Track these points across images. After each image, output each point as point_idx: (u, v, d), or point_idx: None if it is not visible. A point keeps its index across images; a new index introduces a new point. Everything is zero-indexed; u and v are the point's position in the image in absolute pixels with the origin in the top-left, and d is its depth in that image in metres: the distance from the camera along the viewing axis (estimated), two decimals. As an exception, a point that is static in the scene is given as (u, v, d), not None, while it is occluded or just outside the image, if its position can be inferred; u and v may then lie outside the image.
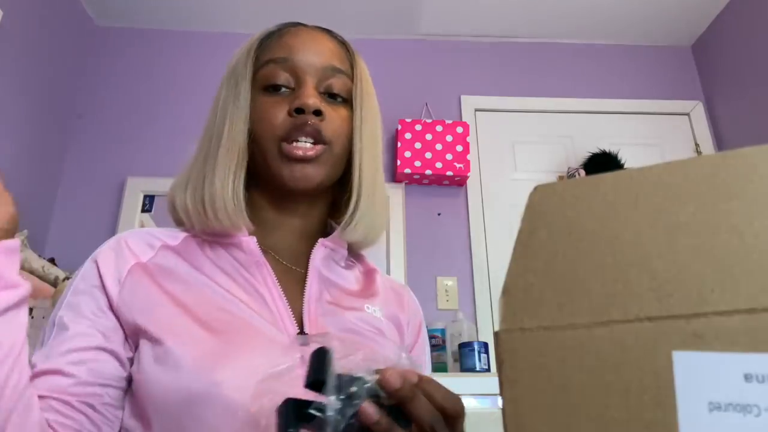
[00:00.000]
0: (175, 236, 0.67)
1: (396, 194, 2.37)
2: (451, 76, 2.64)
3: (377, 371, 0.43)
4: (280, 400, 0.42)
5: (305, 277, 0.66)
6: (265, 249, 0.66)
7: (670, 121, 2.59)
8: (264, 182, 0.68)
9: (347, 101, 0.69)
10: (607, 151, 2.40)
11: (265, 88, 0.67)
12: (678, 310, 0.24)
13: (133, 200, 2.33)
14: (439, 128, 2.37)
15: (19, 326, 0.51)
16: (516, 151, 2.54)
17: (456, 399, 0.45)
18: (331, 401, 0.41)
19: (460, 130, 2.37)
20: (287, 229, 0.70)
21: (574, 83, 2.64)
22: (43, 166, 2.28)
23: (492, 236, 2.36)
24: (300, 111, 0.64)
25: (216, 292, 0.61)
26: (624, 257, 0.26)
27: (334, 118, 0.66)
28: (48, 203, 2.30)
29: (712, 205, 0.25)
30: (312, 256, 0.67)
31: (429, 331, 2.10)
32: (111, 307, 0.59)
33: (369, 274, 0.76)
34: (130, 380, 0.59)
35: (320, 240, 0.68)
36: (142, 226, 2.24)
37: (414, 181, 2.39)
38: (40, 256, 1.94)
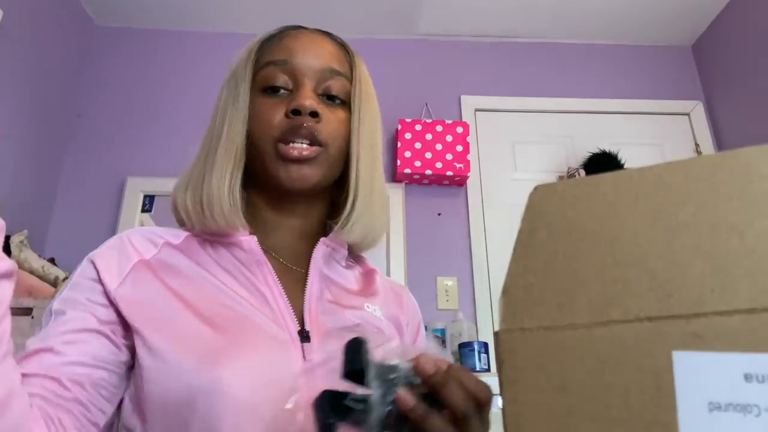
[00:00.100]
0: (177, 235, 0.68)
1: (396, 194, 2.37)
2: (451, 76, 2.64)
3: (411, 360, 0.44)
4: (315, 394, 0.43)
5: (305, 277, 0.67)
6: (266, 249, 0.67)
7: (670, 121, 2.59)
8: (262, 183, 0.68)
9: (346, 103, 0.70)
10: (607, 151, 2.40)
11: (264, 89, 0.67)
12: (678, 310, 0.24)
13: (133, 200, 2.33)
14: (439, 128, 2.37)
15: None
16: (516, 151, 2.54)
17: (485, 386, 0.45)
18: (374, 387, 0.42)
19: (460, 130, 2.37)
20: (286, 229, 0.70)
21: (574, 83, 2.64)
22: (43, 166, 2.28)
23: (492, 236, 2.36)
24: (296, 112, 0.64)
25: (218, 288, 0.62)
26: (624, 257, 0.26)
27: (331, 119, 0.67)
28: (48, 203, 2.30)
29: (712, 205, 0.25)
30: (314, 255, 0.68)
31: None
32: (108, 299, 0.60)
33: (368, 275, 0.76)
34: (127, 368, 0.59)
35: (322, 239, 0.69)
36: (142, 226, 2.24)
37: (414, 181, 2.39)
38: (40, 256, 1.94)
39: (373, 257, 0.77)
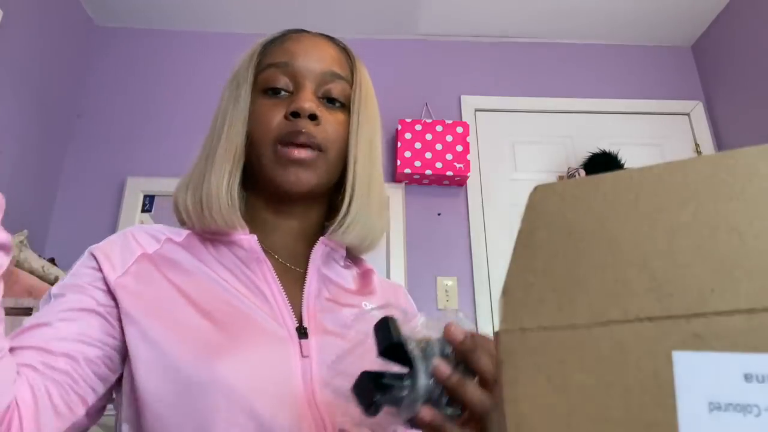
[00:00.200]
0: (179, 233, 0.69)
1: (396, 194, 2.37)
2: (451, 76, 2.64)
3: (440, 331, 0.46)
4: (353, 379, 0.44)
5: (304, 276, 0.68)
6: (265, 248, 0.68)
7: (670, 121, 2.59)
8: (260, 184, 0.69)
9: (346, 106, 0.70)
10: (607, 151, 2.40)
11: (265, 91, 0.68)
12: (678, 310, 0.24)
13: (133, 200, 2.33)
14: (439, 128, 2.37)
15: None
16: (516, 151, 2.54)
17: None
18: (413, 359, 0.43)
19: (460, 130, 2.37)
20: (285, 230, 0.71)
21: (574, 83, 2.64)
22: (43, 166, 2.28)
23: (492, 236, 2.36)
24: (296, 114, 0.65)
25: (218, 285, 0.63)
26: (624, 257, 0.26)
27: (330, 122, 0.67)
28: (48, 203, 2.31)
29: (712, 205, 0.25)
30: (312, 254, 0.69)
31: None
32: (107, 287, 0.60)
33: (365, 275, 0.77)
34: (121, 355, 0.60)
35: (321, 238, 0.69)
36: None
37: (414, 181, 2.39)
38: (40, 256, 1.94)
39: (373, 257, 0.78)
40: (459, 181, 2.38)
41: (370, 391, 0.43)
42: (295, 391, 0.58)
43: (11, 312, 1.61)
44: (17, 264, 1.82)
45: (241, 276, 0.65)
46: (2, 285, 0.52)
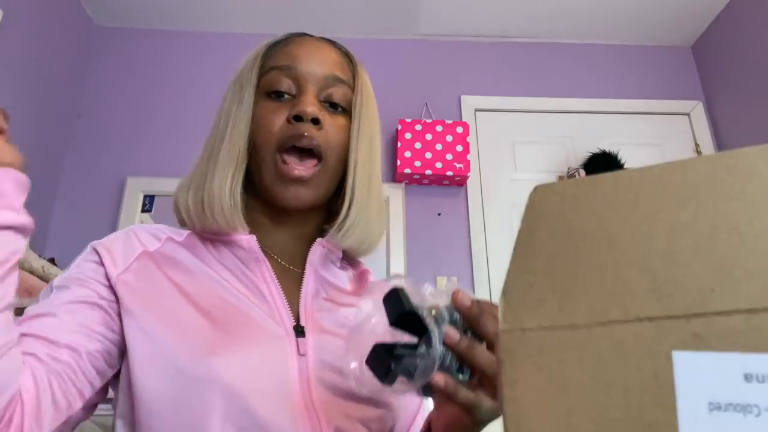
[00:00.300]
0: (180, 233, 0.70)
1: (396, 194, 2.37)
2: (451, 76, 2.63)
3: (447, 299, 0.47)
4: (366, 352, 0.45)
5: (302, 276, 0.69)
6: (264, 249, 0.68)
7: (670, 121, 2.59)
8: (260, 191, 0.69)
9: (347, 110, 0.71)
10: (607, 151, 2.40)
11: (268, 94, 0.69)
12: (678, 310, 0.24)
13: (133, 200, 2.33)
14: (439, 128, 2.37)
15: (12, 251, 0.53)
16: (516, 151, 2.54)
17: None
18: (426, 325, 0.44)
19: (460, 130, 2.37)
20: (284, 232, 0.72)
21: (574, 83, 2.64)
22: (43, 166, 2.28)
23: (492, 236, 2.36)
24: (298, 118, 0.66)
25: (217, 283, 0.64)
26: (624, 257, 0.26)
27: (331, 126, 0.68)
28: (48, 203, 2.30)
29: (712, 205, 0.25)
30: (309, 255, 0.69)
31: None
32: (108, 282, 0.61)
33: (361, 276, 0.78)
34: (119, 350, 0.60)
35: (318, 239, 0.70)
36: (142, 226, 2.24)
37: (414, 181, 2.39)
38: (40, 256, 1.94)
39: (373, 257, 0.79)
40: (459, 181, 2.38)
41: (386, 361, 0.44)
42: (291, 388, 0.58)
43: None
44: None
45: (240, 275, 0.65)
46: (17, 273, 0.52)
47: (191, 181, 0.69)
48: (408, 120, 2.39)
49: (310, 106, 0.66)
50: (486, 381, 0.47)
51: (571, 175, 2.42)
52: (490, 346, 0.47)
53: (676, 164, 0.26)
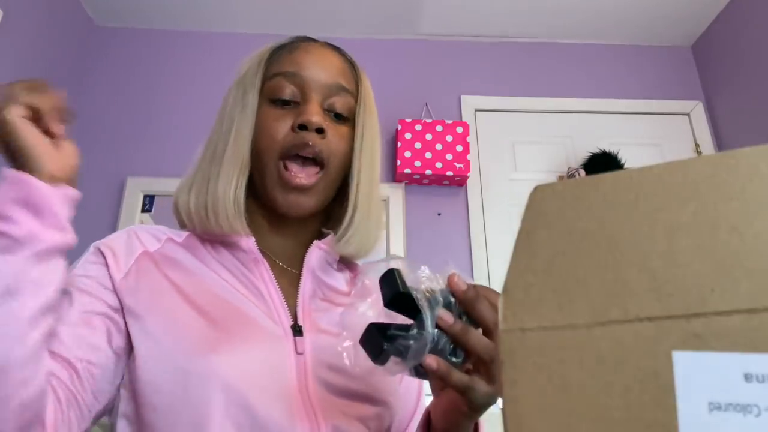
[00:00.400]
0: (179, 234, 0.70)
1: (396, 194, 2.37)
2: (451, 76, 2.63)
3: (443, 282, 0.47)
4: (361, 331, 0.46)
5: (299, 277, 0.69)
6: (262, 250, 0.69)
7: (670, 121, 2.59)
8: (261, 196, 0.70)
9: (349, 119, 0.71)
10: (607, 151, 2.40)
11: (272, 100, 0.69)
12: (678, 310, 0.24)
13: (133, 200, 2.33)
14: (439, 128, 2.36)
15: (60, 272, 0.53)
16: (516, 151, 2.54)
17: None
18: (419, 307, 0.45)
19: (460, 130, 2.37)
20: (283, 235, 0.72)
21: (574, 83, 2.64)
22: (43, 166, 2.27)
23: (492, 236, 2.36)
24: (303, 127, 0.66)
25: (216, 283, 0.64)
26: (624, 257, 0.26)
27: (334, 135, 0.68)
28: (48, 203, 2.30)
29: (712, 205, 0.25)
30: (307, 257, 0.70)
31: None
32: (113, 286, 0.61)
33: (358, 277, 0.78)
34: (126, 355, 0.60)
35: (315, 242, 0.71)
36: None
37: (414, 181, 2.39)
38: (40, 256, 1.94)
39: (372, 257, 0.78)
40: (459, 181, 2.38)
41: (379, 341, 0.44)
42: (290, 386, 0.59)
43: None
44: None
45: (239, 275, 0.66)
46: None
47: (192, 183, 0.69)
48: (408, 120, 2.39)
49: (315, 115, 0.66)
50: (481, 365, 0.48)
51: (571, 175, 2.42)
52: (486, 331, 0.47)
53: (676, 164, 0.26)
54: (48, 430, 0.51)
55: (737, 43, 2.44)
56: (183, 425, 0.54)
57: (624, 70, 2.68)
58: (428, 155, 2.32)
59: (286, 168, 0.66)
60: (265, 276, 0.66)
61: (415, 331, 0.45)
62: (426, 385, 0.57)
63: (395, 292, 0.45)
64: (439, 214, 2.38)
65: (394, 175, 2.38)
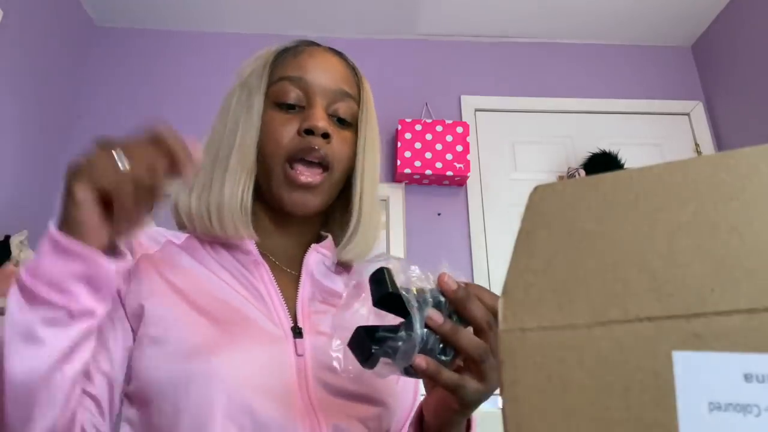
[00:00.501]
0: (178, 236, 0.70)
1: (396, 194, 2.37)
2: (451, 76, 2.63)
3: (434, 281, 0.47)
4: (350, 334, 0.46)
5: (298, 278, 0.70)
6: (262, 251, 0.69)
7: (670, 121, 2.59)
8: (266, 197, 0.70)
9: (351, 124, 0.72)
10: (607, 151, 2.40)
11: (278, 104, 0.69)
12: (678, 310, 0.24)
13: (133, 200, 2.33)
14: (439, 128, 2.36)
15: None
16: (516, 151, 2.54)
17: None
18: (407, 307, 0.44)
19: (460, 130, 2.37)
20: (283, 236, 0.73)
21: (574, 83, 2.64)
22: (43, 166, 2.28)
23: (492, 236, 2.36)
24: (309, 132, 0.66)
25: (216, 284, 0.65)
26: (624, 257, 0.26)
27: (338, 140, 0.69)
28: (48, 203, 2.30)
29: (712, 205, 0.25)
30: (305, 260, 0.70)
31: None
32: (118, 292, 0.62)
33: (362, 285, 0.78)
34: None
35: (313, 246, 0.71)
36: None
37: (414, 181, 2.39)
38: (40, 256, 1.94)
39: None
40: (459, 181, 2.38)
41: (367, 344, 0.44)
42: (290, 388, 0.59)
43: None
44: (17, 264, 1.82)
45: (239, 277, 0.66)
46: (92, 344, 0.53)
47: (193, 185, 0.69)
48: (408, 120, 2.39)
49: (321, 120, 0.67)
50: (471, 364, 0.48)
51: (571, 175, 2.42)
52: (477, 330, 0.47)
53: (676, 164, 0.26)
54: None
55: (737, 43, 2.44)
56: (185, 427, 0.54)
57: (624, 70, 2.68)
58: (428, 155, 2.32)
59: (291, 168, 0.67)
60: (265, 278, 0.66)
61: (403, 332, 0.45)
62: (422, 384, 0.57)
63: (384, 292, 0.45)
64: (439, 214, 2.38)
65: (394, 175, 2.38)
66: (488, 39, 2.71)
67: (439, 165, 2.30)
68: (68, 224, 0.48)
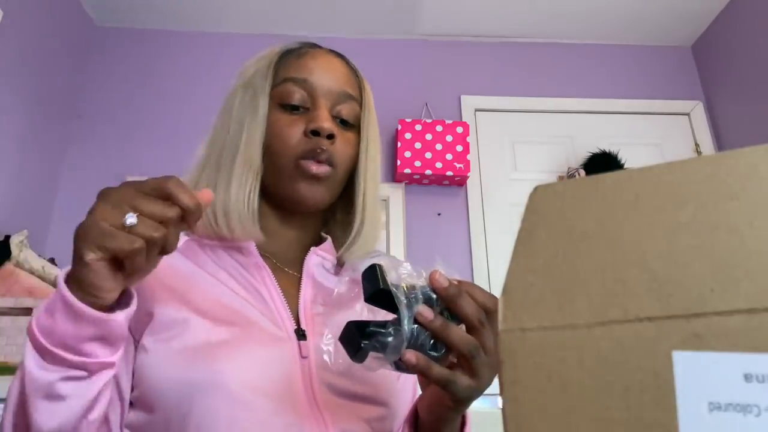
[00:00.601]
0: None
1: (396, 194, 2.37)
2: (451, 76, 2.63)
3: (425, 278, 0.48)
4: (339, 330, 0.47)
5: (299, 280, 0.70)
6: (263, 253, 0.69)
7: (670, 121, 2.59)
8: (270, 194, 0.70)
9: (353, 125, 0.73)
10: (607, 151, 2.40)
11: (282, 105, 0.69)
12: (678, 310, 0.24)
13: (133, 200, 2.33)
14: (439, 128, 2.36)
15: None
16: (516, 151, 2.54)
17: (492, 296, 0.49)
18: (397, 304, 0.45)
19: (460, 130, 2.36)
20: (285, 237, 0.73)
21: (574, 83, 2.64)
22: (43, 166, 2.28)
23: (492, 236, 2.35)
24: (315, 133, 0.67)
25: (217, 288, 0.64)
26: (624, 257, 0.26)
27: (342, 141, 0.70)
28: (48, 203, 2.30)
29: (712, 205, 0.25)
30: (306, 263, 0.70)
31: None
32: None
33: (356, 281, 0.79)
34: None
35: (312, 248, 0.71)
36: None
37: (414, 181, 2.39)
38: (39, 256, 1.94)
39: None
40: (459, 181, 2.38)
41: (356, 339, 0.45)
42: (295, 390, 0.59)
43: (11, 312, 1.61)
44: (17, 264, 1.82)
45: (241, 279, 0.66)
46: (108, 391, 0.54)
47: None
48: (408, 120, 2.39)
49: (327, 122, 0.67)
50: (463, 360, 0.48)
51: (571, 175, 2.42)
52: (469, 327, 0.48)
53: (676, 164, 0.26)
54: None
55: (737, 43, 2.44)
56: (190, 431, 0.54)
57: (624, 70, 2.68)
58: (428, 155, 2.32)
59: (301, 163, 0.67)
60: (266, 280, 0.66)
61: (391, 327, 0.46)
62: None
63: (375, 288, 0.46)
64: (439, 214, 2.38)
65: (394, 175, 2.38)
66: (488, 39, 2.71)
67: (439, 165, 2.30)
68: (79, 284, 0.47)
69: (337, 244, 0.73)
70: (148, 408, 0.57)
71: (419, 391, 0.59)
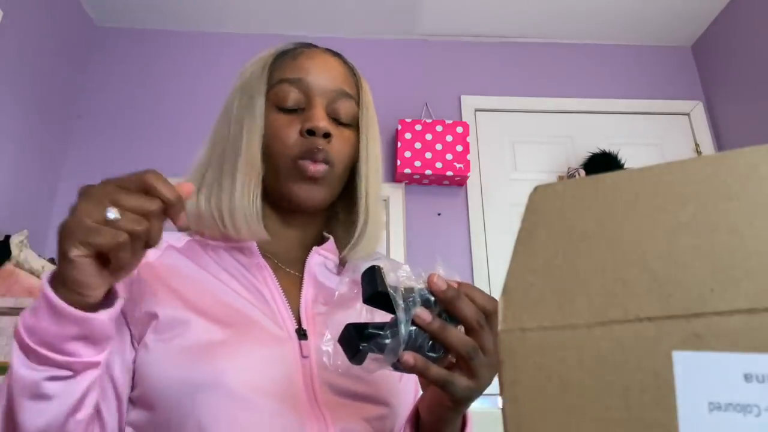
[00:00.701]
0: (179, 239, 0.70)
1: (396, 194, 2.37)
2: (451, 76, 2.63)
3: (424, 281, 0.48)
4: (339, 331, 0.47)
5: (300, 280, 0.70)
6: (264, 254, 0.69)
7: (670, 121, 2.59)
8: (272, 194, 0.70)
9: (351, 124, 0.72)
10: (607, 151, 2.40)
11: (278, 106, 0.69)
12: (678, 310, 0.24)
13: (133, 200, 2.33)
14: (439, 128, 2.36)
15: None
16: (516, 151, 2.54)
17: (491, 298, 0.49)
18: (395, 306, 0.45)
19: (460, 130, 2.37)
20: (287, 237, 0.73)
21: (574, 83, 2.64)
22: (43, 166, 2.28)
23: (492, 236, 2.35)
24: (311, 133, 0.67)
25: (219, 288, 0.65)
26: (624, 257, 0.26)
27: (340, 139, 0.70)
28: (48, 203, 2.30)
29: (712, 205, 0.25)
30: (307, 263, 0.71)
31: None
32: (123, 312, 0.62)
33: (356, 281, 0.79)
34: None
35: (314, 248, 0.72)
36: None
37: (414, 181, 2.39)
38: (40, 255, 1.94)
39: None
40: (459, 181, 2.38)
41: (355, 341, 0.46)
42: (296, 390, 0.59)
43: (11, 312, 1.61)
44: (17, 264, 1.82)
45: (242, 279, 0.66)
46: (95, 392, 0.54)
47: (200, 186, 0.69)
48: (408, 120, 2.39)
49: (323, 121, 0.67)
50: (461, 361, 0.48)
51: (571, 175, 2.42)
52: (468, 329, 0.48)
53: (676, 164, 0.26)
54: None
55: (737, 43, 2.44)
56: (191, 430, 0.54)
57: (624, 70, 2.68)
58: (428, 155, 2.32)
59: (298, 163, 0.67)
60: (268, 280, 0.67)
61: (389, 329, 0.46)
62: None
63: (373, 290, 0.46)
64: (439, 214, 2.38)
65: (394, 175, 2.38)
66: (488, 39, 2.71)
67: (439, 165, 2.30)
68: (64, 282, 0.47)
69: (340, 244, 0.73)
70: (149, 407, 0.57)
71: (421, 391, 0.59)
